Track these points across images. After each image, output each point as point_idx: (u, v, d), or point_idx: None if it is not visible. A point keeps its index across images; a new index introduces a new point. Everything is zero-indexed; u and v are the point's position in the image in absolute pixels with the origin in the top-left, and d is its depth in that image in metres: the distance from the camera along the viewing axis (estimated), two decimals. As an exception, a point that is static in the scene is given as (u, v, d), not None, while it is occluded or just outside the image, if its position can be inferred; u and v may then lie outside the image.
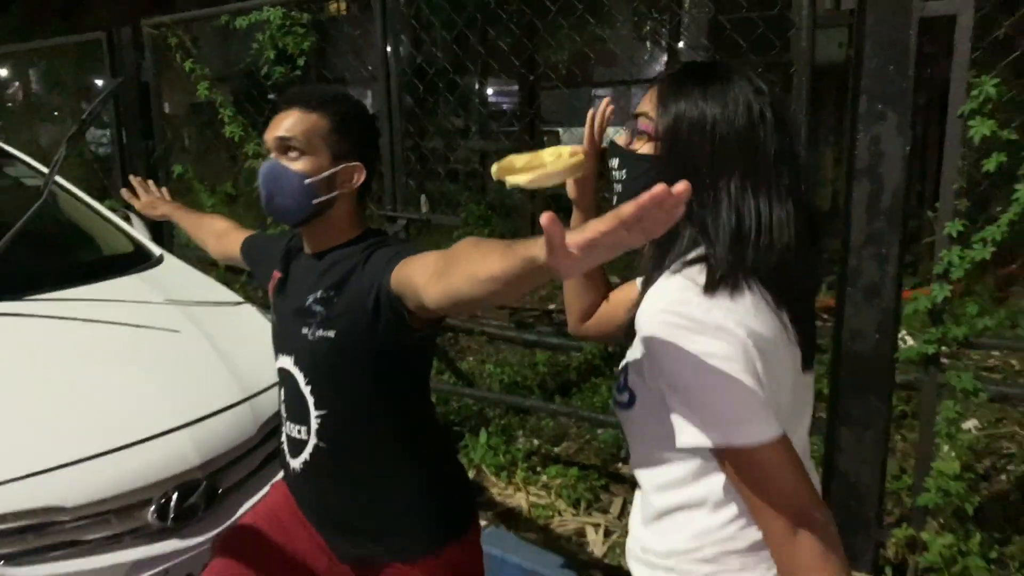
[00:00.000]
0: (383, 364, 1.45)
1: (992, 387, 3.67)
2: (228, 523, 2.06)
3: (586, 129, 1.28)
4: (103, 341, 2.34)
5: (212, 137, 4.96)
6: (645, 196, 0.72)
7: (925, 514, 2.33)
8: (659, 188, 0.72)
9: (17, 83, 8.72)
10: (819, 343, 1.20)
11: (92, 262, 3.01)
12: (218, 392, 2.26)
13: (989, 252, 2.10)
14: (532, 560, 2.58)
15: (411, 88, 3.40)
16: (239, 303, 2.85)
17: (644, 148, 1.10)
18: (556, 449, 3.55)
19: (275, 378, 1.72)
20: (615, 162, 1.15)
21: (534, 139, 6.96)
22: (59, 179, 3.20)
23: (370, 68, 4.46)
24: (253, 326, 2.70)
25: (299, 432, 1.54)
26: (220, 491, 2.09)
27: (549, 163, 1.16)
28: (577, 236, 0.78)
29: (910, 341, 3.57)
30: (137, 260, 2.96)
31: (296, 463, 1.56)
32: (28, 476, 1.83)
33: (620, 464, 3.36)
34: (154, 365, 2.31)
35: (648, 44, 9.91)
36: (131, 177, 2.40)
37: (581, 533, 2.96)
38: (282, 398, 1.59)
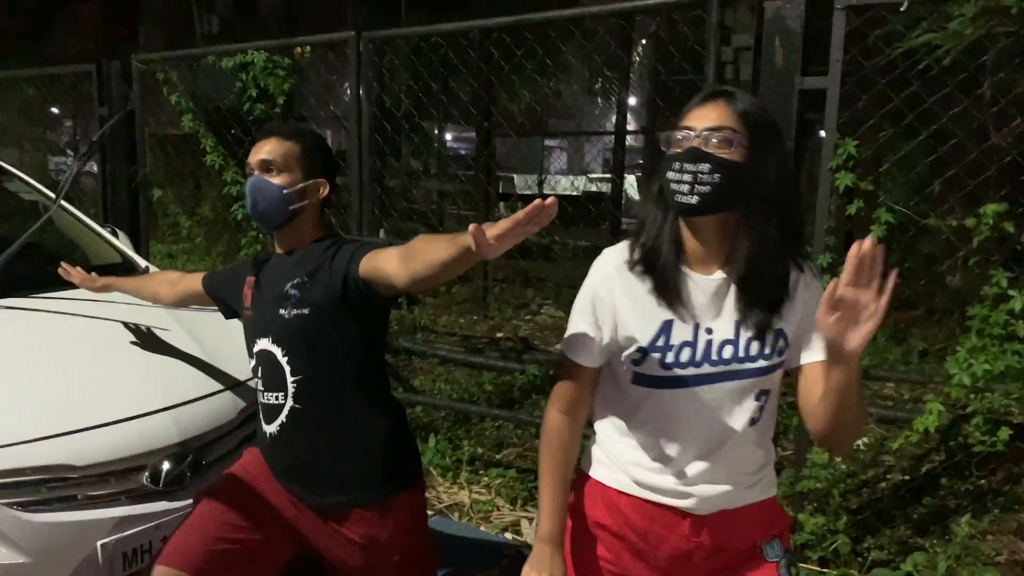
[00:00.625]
0: (348, 333, 1.87)
1: (883, 411, 4.18)
2: (210, 488, 2.40)
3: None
4: (105, 333, 2.68)
5: (185, 166, 5.30)
6: (534, 204, 1.21)
7: (802, 499, 2.77)
8: (538, 202, 1.21)
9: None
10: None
11: (86, 270, 3.33)
12: (204, 381, 2.60)
13: (851, 280, 2.57)
14: (469, 533, 2.97)
15: (378, 129, 3.83)
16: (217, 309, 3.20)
17: (731, 155, 1.35)
18: (497, 455, 3.93)
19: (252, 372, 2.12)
20: (704, 167, 1.35)
21: (490, 183, 7.45)
22: (49, 193, 3.55)
23: (332, 109, 4.91)
24: (232, 329, 3.04)
25: (276, 398, 1.91)
26: (204, 463, 2.42)
27: None
28: (493, 230, 1.25)
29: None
30: (126, 270, 3.29)
31: (273, 427, 1.93)
32: (46, 438, 2.15)
33: (554, 469, 3.74)
34: (150, 355, 2.65)
35: (599, 99, 10.55)
36: (63, 265, 2.60)
37: (517, 525, 3.33)
38: (259, 375, 1.97)
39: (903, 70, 2.64)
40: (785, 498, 2.96)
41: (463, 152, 14.51)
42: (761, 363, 1.42)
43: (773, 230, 1.39)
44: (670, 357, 1.43)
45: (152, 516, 2.25)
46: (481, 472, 3.72)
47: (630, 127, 9.98)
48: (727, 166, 1.34)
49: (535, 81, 4.96)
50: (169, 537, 1.98)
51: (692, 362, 1.42)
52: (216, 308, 3.21)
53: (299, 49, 4.29)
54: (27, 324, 2.64)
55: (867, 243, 1.17)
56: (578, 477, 1.61)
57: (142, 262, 3.44)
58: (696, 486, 1.47)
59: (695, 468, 1.46)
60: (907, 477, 3.49)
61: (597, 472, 1.58)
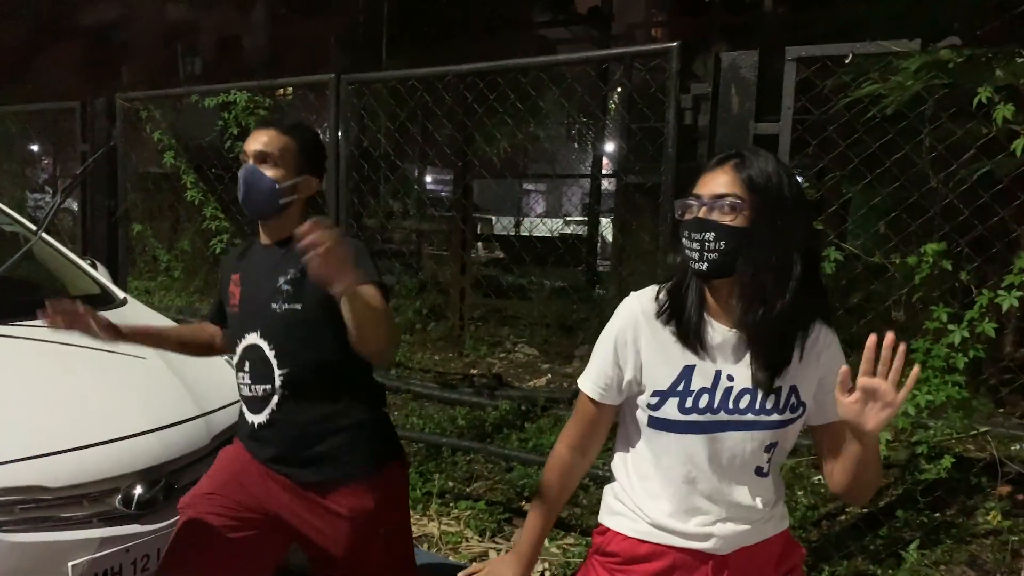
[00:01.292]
0: (338, 325, 1.87)
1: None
2: (182, 514, 2.45)
3: None
4: (81, 359, 2.74)
5: (164, 202, 5.39)
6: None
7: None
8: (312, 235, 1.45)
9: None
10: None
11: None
12: (178, 407, 2.66)
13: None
14: (435, 559, 3.02)
15: (356, 169, 3.95)
16: (195, 340, 3.27)
17: (736, 222, 1.40)
18: (467, 488, 3.98)
19: (226, 399, 2.20)
20: (710, 235, 1.40)
21: (467, 224, 7.60)
22: (30, 225, 3.63)
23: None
24: (206, 359, 3.12)
25: (264, 390, 1.97)
26: (176, 487, 2.47)
27: None
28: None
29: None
30: (105, 301, 3.36)
31: (261, 417, 1.99)
32: (20, 460, 2.21)
33: (523, 502, 3.81)
34: (125, 382, 2.71)
35: (575, 144, 10.80)
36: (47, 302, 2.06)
37: (485, 556, 3.38)
38: (245, 369, 2.02)
39: (850, 118, 2.81)
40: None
41: (442, 193, 14.71)
42: (775, 417, 1.46)
43: (789, 291, 1.41)
44: (688, 402, 1.47)
45: (124, 539, 2.30)
46: (451, 504, 3.77)
47: (606, 171, 10.22)
48: (732, 233, 1.39)
49: (510, 125, 5.13)
50: (161, 552, 2.06)
51: (710, 408, 1.47)
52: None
53: (281, 90, 4.43)
54: (5, 351, 2.70)
55: (887, 337, 1.23)
56: (597, 528, 1.67)
57: (120, 293, 3.50)
58: (716, 526, 1.51)
59: (713, 510, 1.51)
60: (864, 510, 3.58)
61: (616, 523, 1.61)
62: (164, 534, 2.38)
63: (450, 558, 3.30)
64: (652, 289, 1.56)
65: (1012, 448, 4.12)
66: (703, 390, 1.46)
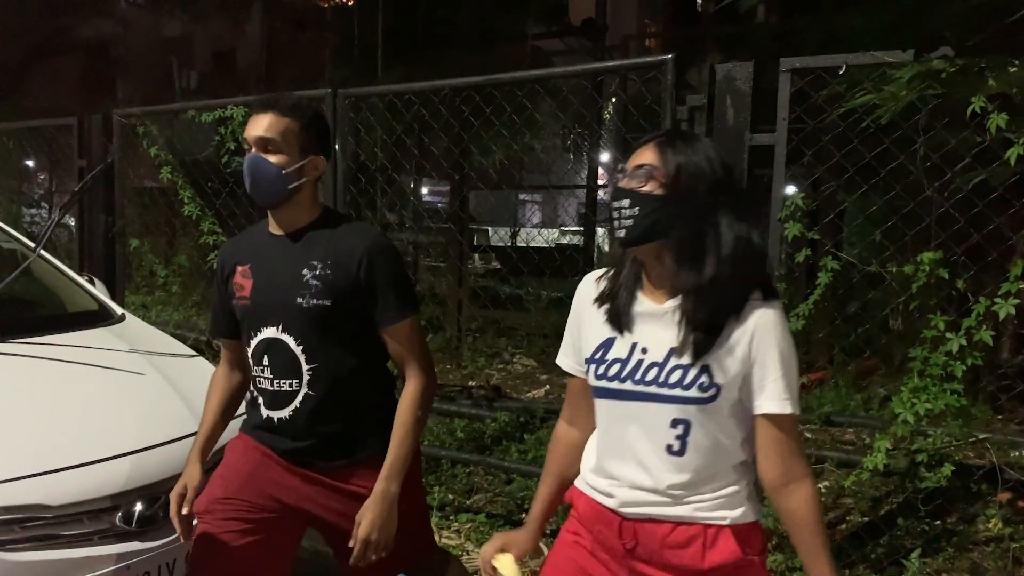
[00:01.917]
0: (363, 319, 1.95)
1: (842, 455, 4.30)
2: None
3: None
4: (81, 377, 2.74)
5: (160, 217, 5.39)
6: None
7: (760, 536, 2.86)
8: None
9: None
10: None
11: (62, 316, 3.39)
12: (178, 424, 2.65)
13: (801, 324, 2.72)
14: None
15: (354, 182, 3.96)
16: (193, 355, 3.27)
17: (653, 189, 1.46)
18: (468, 501, 3.98)
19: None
20: (626, 202, 1.47)
21: (463, 235, 7.61)
22: (28, 242, 3.63)
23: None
24: (205, 373, 3.11)
25: (290, 385, 1.95)
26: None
27: None
28: None
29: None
30: (103, 317, 3.35)
31: (284, 412, 1.97)
32: (21, 478, 2.21)
33: (524, 514, 3.80)
34: (124, 399, 2.71)
35: (571, 155, 10.84)
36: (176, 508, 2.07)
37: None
38: (264, 363, 1.98)
39: (844, 128, 2.83)
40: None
41: (438, 205, 14.74)
42: (678, 392, 1.48)
43: (706, 267, 1.45)
44: (602, 369, 1.57)
45: (124, 556, 2.29)
46: (451, 517, 3.77)
47: (601, 181, 10.25)
48: (645, 199, 1.46)
49: (506, 137, 5.14)
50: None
51: (618, 377, 1.54)
52: (191, 354, 3.30)
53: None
54: (4, 368, 2.69)
55: None
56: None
57: (118, 309, 3.50)
58: (618, 488, 1.58)
59: (618, 471, 1.58)
60: (865, 518, 3.59)
61: (577, 480, 1.73)
62: (165, 551, 2.38)
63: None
64: (604, 270, 1.67)
65: (1012, 455, 4.13)
66: (616, 360, 1.55)
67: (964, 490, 3.62)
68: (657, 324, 1.52)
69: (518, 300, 8.01)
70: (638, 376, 1.52)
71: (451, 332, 7.36)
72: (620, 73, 3.57)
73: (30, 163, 7.59)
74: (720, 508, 1.54)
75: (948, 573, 3.18)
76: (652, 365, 1.51)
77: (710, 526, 1.54)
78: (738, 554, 1.53)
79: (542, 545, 1.86)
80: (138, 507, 2.36)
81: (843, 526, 3.67)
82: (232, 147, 4.11)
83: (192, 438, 2.62)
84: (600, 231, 9.81)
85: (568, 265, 8.99)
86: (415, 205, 8.71)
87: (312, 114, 1.97)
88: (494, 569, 1.71)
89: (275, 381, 1.98)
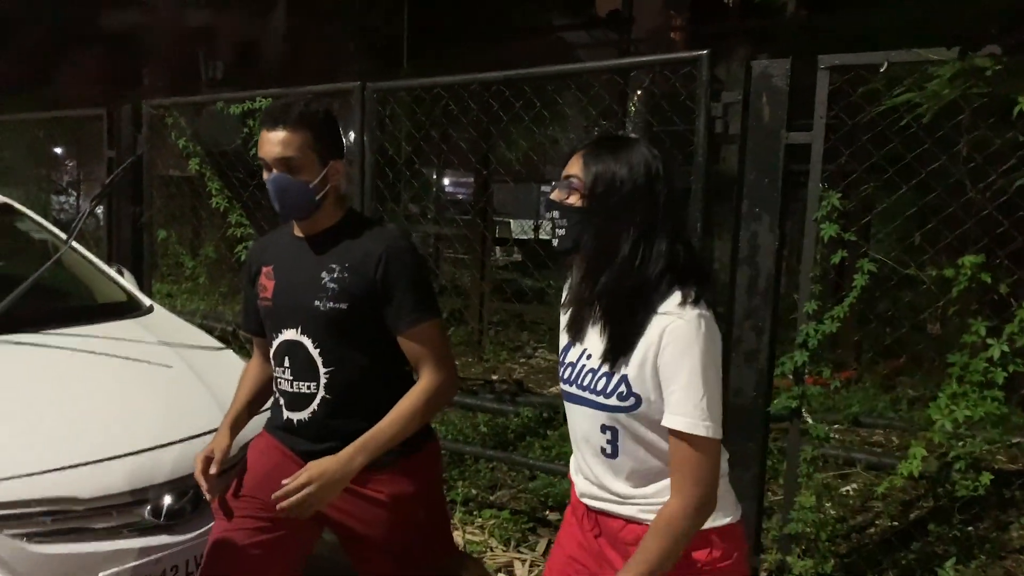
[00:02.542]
0: (380, 323, 1.93)
1: (870, 458, 4.24)
2: (211, 525, 2.43)
3: None
4: (111, 369, 2.75)
5: (187, 207, 5.42)
6: None
7: (790, 541, 2.82)
8: None
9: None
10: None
11: (92, 307, 3.41)
12: (206, 417, 2.64)
13: (836, 326, 2.67)
14: None
15: (380, 175, 3.94)
16: (221, 348, 3.28)
17: (575, 201, 1.51)
18: (491, 496, 3.96)
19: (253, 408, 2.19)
20: (556, 214, 1.54)
21: (486, 227, 7.59)
22: (59, 232, 3.65)
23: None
24: (233, 367, 3.12)
25: (309, 388, 1.95)
26: (205, 498, 2.48)
27: None
28: None
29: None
30: (131, 308, 3.37)
31: (302, 414, 1.97)
32: (52, 471, 2.21)
33: (548, 511, 3.79)
34: (153, 392, 2.72)
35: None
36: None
37: (510, 566, 3.36)
38: (284, 364, 1.98)
39: (884, 127, 2.76)
40: (774, 541, 3.01)
41: (461, 197, 14.71)
42: (601, 399, 1.52)
43: (611, 276, 1.48)
44: (561, 371, 1.64)
45: (153, 549, 2.30)
46: (475, 513, 3.76)
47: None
48: (567, 211, 1.52)
49: (534, 131, 5.11)
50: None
51: (567, 380, 1.61)
52: (218, 347, 3.30)
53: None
54: (36, 360, 2.71)
55: None
56: None
57: (147, 300, 3.51)
58: (576, 476, 1.68)
59: (577, 462, 1.67)
60: (896, 523, 3.53)
61: None
62: (193, 544, 2.38)
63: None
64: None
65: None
66: (569, 364, 1.60)
67: (997, 496, 3.55)
68: (599, 331, 1.56)
69: (541, 294, 7.97)
70: (579, 381, 1.57)
71: (473, 325, 7.35)
72: (654, 69, 3.51)
73: (58, 150, 7.65)
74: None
75: (981, 581, 3.13)
76: (589, 371, 1.55)
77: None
78: (689, 559, 1.49)
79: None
80: (167, 500, 2.36)
81: (871, 530, 3.62)
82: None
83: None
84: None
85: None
86: (439, 197, 8.70)
87: (322, 118, 1.93)
88: None
89: (294, 383, 1.99)
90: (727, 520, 1.55)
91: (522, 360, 7.09)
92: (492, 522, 3.65)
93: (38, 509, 2.16)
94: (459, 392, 5.54)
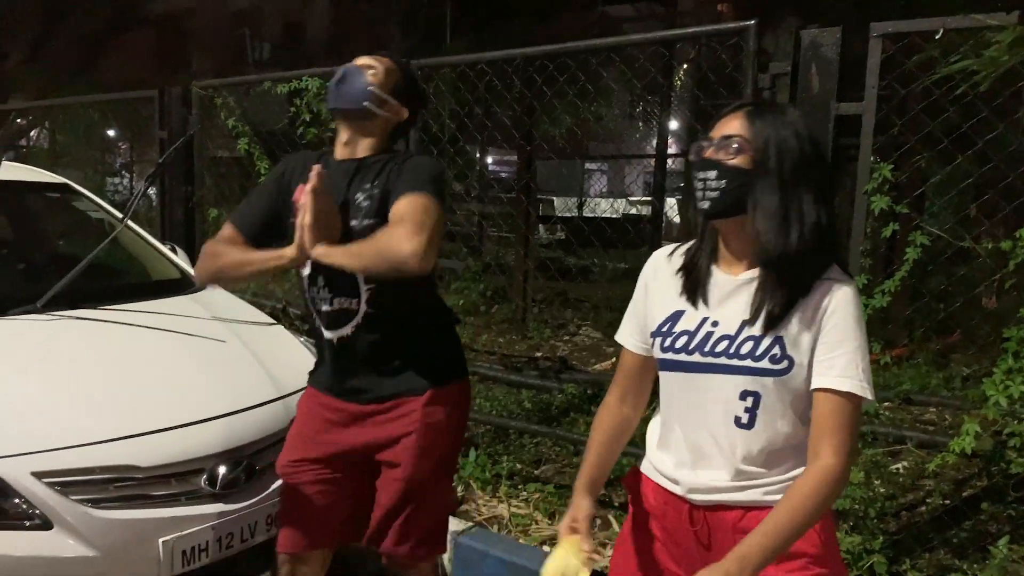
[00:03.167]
0: None
1: (923, 435, 4.16)
2: (264, 494, 2.52)
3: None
4: (168, 343, 2.84)
5: (236, 187, 5.52)
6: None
7: (838, 517, 2.80)
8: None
9: (37, 131, 9.32)
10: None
11: (147, 284, 3.51)
12: (259, 390, 2.73)
13: (886, 300, 2.62)
14: (510, 552, 3.04)
15: (424, 152, 3.97)
16: (272, 323, 3.35)
17: (742, 163, 1.44)
18: (536, 471, 4.00)
19: (302, 383, 2.27)
20: (712, 174, 1.46)
21: (530, 205, 7.58)
22: (115, 212, 3.75)
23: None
24: (284, 342, 3.20)
25: (351, 304, 2.00)
26: (257, 468, 2.55)
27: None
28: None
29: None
30: (185, 285, 3.46)
31: (344, 331, 2.03)
32: (115, 440, 2.31)
33: (592, 486, 3.80)
34: (208, 365, 2.80)
35: (640, 123, 10.65)
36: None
37: (554, 539, 3.39)
38: (320, 284, 2.03)
39: (938, 96, 2.69)
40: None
41: (504, 175, 14.71)
42: (749, 363, 1.45)
43: (790, 239, 1.42)
44: (668, 342, 1.54)
45: (208, 517, 2.38)
46: (520, 487, 3.79)
47: (671, 150, 10.05)
48: (732, 172, 1.44)
49: (576, 106, 5.08)
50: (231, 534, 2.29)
51: (685, 349, 1.51)
52: (269, 322, 3.38)
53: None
54: (96, 335, 2.80)
55: None
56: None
57: (199, 278, 3.60)
58: (682, 472, 1.54)
59: (685, 454, 1.54)
60: (947, 501, 3.47)
61: (642, 464, 1.69)
62: (247, 513, 2.47)
63: (520, 541, 3.32)
64: (677, 244, 1.64)
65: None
66: (684, 332, 1.52)
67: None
68: (730, 296, 1.51)
69: (584, 271, 7.97)
70: (707, 348, 1.49)
71: (516, 303, 7.37)
72: (701, 41, 3.46)
73: (111, 132, 7.84)
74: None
75: (1035, 561, 3.07)
76: (723, 337, 1.49)
77: None
78: (814, 540, 1.48)
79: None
80: (222, 470, 2.44)
81: (922, 508, 3.57)
82: (308, 118, 4.15)
83: (272, 404, 2.71)
84: (670, 201, 9.65)
85: (636, 235, 8.91)
86: (482, 175, 8.71)
87: (413, 75, 2.16)
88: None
89: (334, 300, 2.02)
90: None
91: (566, 338, 7.09)
92: (537, 496, 3.68)
93: (102, 476, 2.25)
94: (503, 369, 5.59)
